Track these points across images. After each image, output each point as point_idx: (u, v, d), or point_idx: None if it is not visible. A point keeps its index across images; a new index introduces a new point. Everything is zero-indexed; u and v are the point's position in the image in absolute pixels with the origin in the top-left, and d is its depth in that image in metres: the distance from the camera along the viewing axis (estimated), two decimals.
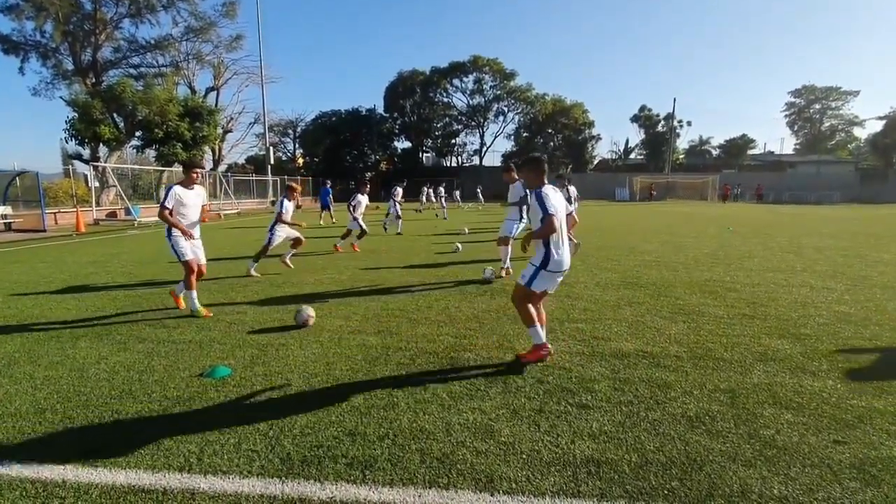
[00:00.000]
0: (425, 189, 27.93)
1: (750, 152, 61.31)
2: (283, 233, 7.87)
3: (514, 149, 56.53)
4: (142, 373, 3.66)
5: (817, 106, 66.25)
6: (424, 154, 59.68)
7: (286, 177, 40.03)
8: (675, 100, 58.20)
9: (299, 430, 2.74)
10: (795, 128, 68.72)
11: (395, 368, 3.69)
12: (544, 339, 3.69)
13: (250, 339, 4.42)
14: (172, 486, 2.27)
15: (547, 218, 3.44)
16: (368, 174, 50.27)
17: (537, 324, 3.66)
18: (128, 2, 29.38)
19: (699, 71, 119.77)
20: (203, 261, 5.41)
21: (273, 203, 34.37)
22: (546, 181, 3.72)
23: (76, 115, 24.75)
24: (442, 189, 25.24)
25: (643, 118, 58.06)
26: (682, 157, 59.69)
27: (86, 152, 27.57)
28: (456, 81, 54.62)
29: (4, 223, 16.32)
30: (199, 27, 33.01)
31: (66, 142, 26.62)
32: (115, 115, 26.12)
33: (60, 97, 28.23)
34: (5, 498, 2.17)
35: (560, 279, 3.78)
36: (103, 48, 29.73)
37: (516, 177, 7.10)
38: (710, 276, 7.25)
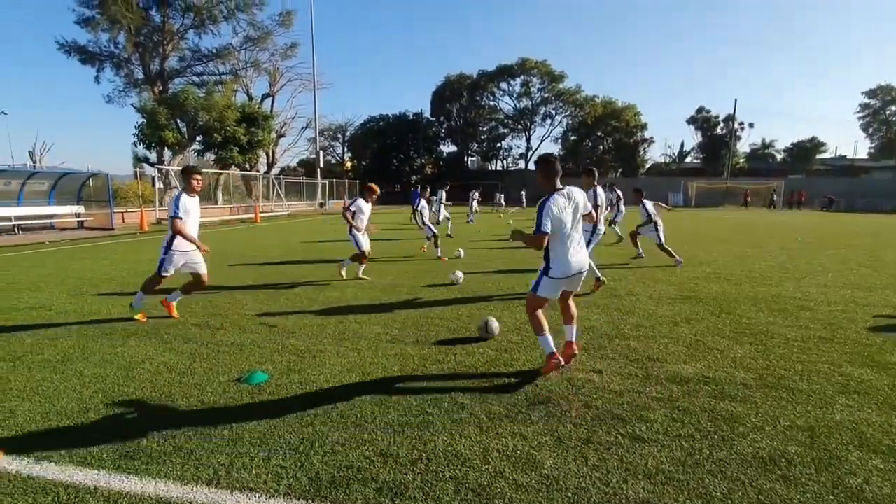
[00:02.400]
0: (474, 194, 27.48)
1: (819, 156, 56.98)
2: (363, 238, 7.30)
3: (561, 152, 55.37)
4: (183, 374, 3.69)
5: (894, 107, 60.62)
6: (470, 158, 59.62)
7: (335, 179, 41.11)
8: (735, 100, 54.68)
9: (330, 447, 2.62)
10: (870, 130, 63.16)
11: (431, 382, 3.53)
12: (553, 349, 3.66)
13: (289, 345, 4.40)
14: (199, 500, 2.20)
15: (538, 234, 3.42)
16: (414, 177, 50.82)
17: (546, 333, 3.67)
18: (193, 14, 31.11)
19: (763, 70, 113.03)
20: (203, 271, 5.22)
21: (322, 205, 35.31)
22: (559, 185, 3.57)
23: (144, 120, 26.44)
24: (476, 194, 24.83)
25: (700, 120, 55.35)
26: (742, 160, 56.32)
27: (152, 156, 29.39)
28: (503, 85, 54.27)
29: (77, 221, 17.58)
30: (256, 36, 34.45)
31: (136, 146, 28.51)
32: (178, 120, 27.69)
33: (131, 104, 30.29)
34: (38, 503, 2.17)
35: (571, 283, 3.72)
36: (170, 58, 31.62)
37: (595, 182, 6.58)
38: (779, 292, 6.63)
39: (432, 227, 10.22)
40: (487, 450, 2.61)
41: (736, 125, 51.72)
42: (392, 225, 19.85)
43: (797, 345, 4.39)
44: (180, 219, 4.81)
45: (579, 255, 3.64)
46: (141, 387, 3.47)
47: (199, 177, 5.06)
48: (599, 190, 6.59)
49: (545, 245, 3.49)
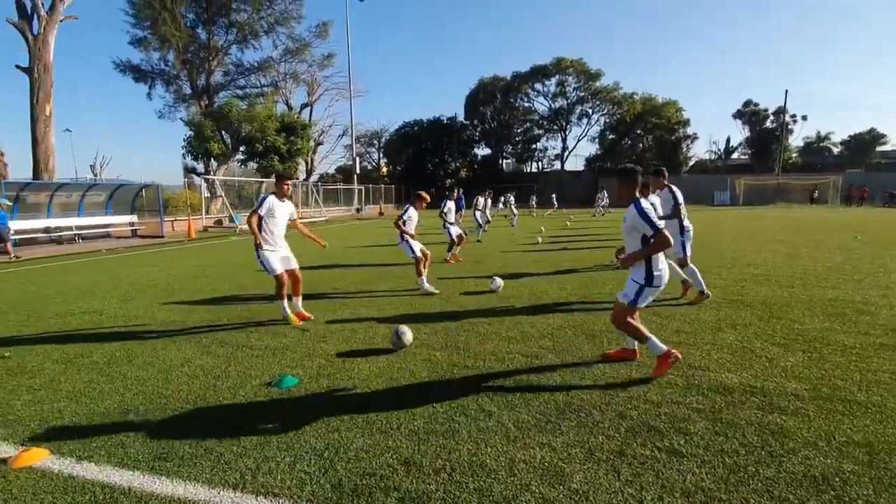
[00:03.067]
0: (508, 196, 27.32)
1: (880, 149, 53.19)
2: (416, 243, 7.18)
3: (598, 152, 54.18)
4: (218, 378, 3.79)
5: None
6: (504, 160, 59.26)
7: (371, 185, 41.78)
8: (786, 92, 52.00)
9: (354, 454, 2.61)
10: None
11: (459, 389, 3.47)
12: (664, 347, 3.55)
13: (320, 349, 4.45)
14: None
15: (658, 235, 3.32)
16: (449, 181, 50.97)
17: (650, 335, 3.56)
18: (236, 30, 32.53)
19: (816, 59, 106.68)
20: (295, 266, 5.43)
21: (359, 211, 35.92)
22: (639, 194, 3.56)
23: (192, 133, 27.81)
24: (512, 196, 24.56)
25: (748, 114, 52.90)
26: (794, 155, 53.32)
27: (200, 166, 30.85)
28: (538, 85, 53.71)
29: (131, 230, 18.61)
30: (295, 48, 35.71)
31: (185, 157, 30.04)
32: (223, 132, 28.95)
33: (180, 118, 31.97)
34: (77, 502, 2.26)
35: None
36: (215, 73, 33.16)
37: (666, 181, 6.05)
38: (836, 295, 6.17)
39: (451, 232, 10.16)
40: (514, 461, 2.52)
41: (787, 118, 49.12)
42: (430, 229, 19.92)
43: (855, 352, 4.05)
44: (256, 214, 5.17)
45: (666, 263, 3.64)
46: (178, 389, 3.59)
47: (288, 182, 5.51)
48: (675, 189, 6.00)
49: (662, 251, 3.40)
